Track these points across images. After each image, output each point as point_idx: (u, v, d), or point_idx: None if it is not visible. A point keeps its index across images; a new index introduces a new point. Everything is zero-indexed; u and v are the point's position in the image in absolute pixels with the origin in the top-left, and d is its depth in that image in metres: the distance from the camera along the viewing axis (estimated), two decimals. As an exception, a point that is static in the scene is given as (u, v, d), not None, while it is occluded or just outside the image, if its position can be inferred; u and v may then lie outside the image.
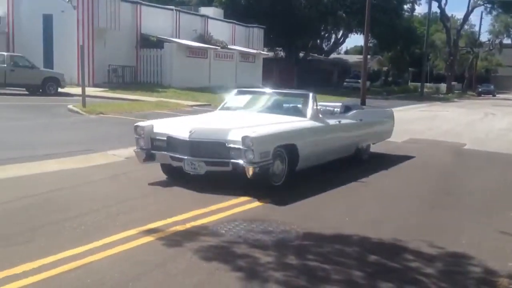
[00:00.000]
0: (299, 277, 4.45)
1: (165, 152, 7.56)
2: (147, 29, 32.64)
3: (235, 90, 9.73)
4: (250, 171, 6.86)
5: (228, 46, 38.55)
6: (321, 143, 8.53)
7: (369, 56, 38.94)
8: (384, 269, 4.79)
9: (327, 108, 10.03)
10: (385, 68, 70.03)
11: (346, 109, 10.02)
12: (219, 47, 36.67)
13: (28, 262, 4.51)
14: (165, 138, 7.57)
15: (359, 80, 39.08)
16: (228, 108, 9.16)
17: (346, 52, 79.51)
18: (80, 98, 18.37)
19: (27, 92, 24.02)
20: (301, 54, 53.28)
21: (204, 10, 40.31)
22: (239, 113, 8.86)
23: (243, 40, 42.16)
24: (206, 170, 7.19)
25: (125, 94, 24.71)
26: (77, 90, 21.94)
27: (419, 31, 62.23)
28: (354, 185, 8.28)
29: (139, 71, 32.64)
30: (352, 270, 4.67)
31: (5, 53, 25.04)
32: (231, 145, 7.03)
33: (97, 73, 29.13)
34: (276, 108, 8.93)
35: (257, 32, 43.50)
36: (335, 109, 9.95)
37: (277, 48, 52.23)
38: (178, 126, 7.66)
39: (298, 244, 5.32)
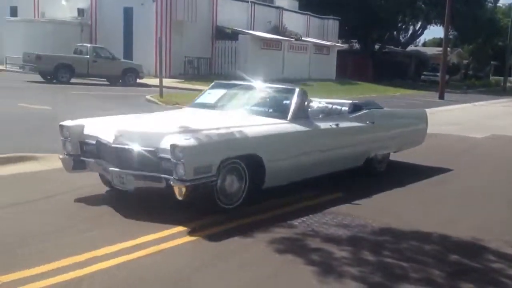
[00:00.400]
0: (375, 273, 4.36)
1: (94, 160, 6.14)
2: (222, 21, 33.03)
3: (213, 83, 8.05)
4: (182, 192, 5.26)
5: (302, 38, 38.36)
6: (305, 152, 6.68)
7: (448, 49, 37.61)
8: (465, 269, 4.62)
9: (334, 106, 8.17)
10: (465, 61, 67.41)
11: (355, 108, 7.97)
12: (293, 39, 36.55)
13: (109, 245, 4.68)
14: (95, 142, 6.11)
15: (438, 74, 37.91)
16: (197, 105, 7.50)
17: (424, 45, 77.13)
18: (157, 88, 18.89)
19: (107, 82, 24.96)
20: (376, 46, 52.21)
21: (279, 2, 40.27)
22: (199, 111, 7.21)
23: (317, 32, 41.82)
24: (135, 186, 5.72)
25: (200, 85, 25.11)
26: (155, 81, 22.58)
27: (503, 22, 59.32)
28: (430, 182, 8.03)
29: (214, 62, 33.11)
30: (431, 268, 4.52)
31: (88, 45, 26.15)
32: (163, 155, 5.40)
33: (173, 65, 29.81)
34: (252, 106, 7.14)
35: (332, 24, 43.00)
36: (343, 108, 8.05)
37: (352, 40, 51.44)
38: (109, 128, 6.01)
39: (373, 240, 5.22)
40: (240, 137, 5.91)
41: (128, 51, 30.23)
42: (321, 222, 5.66)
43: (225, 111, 7.11)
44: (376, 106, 8.60)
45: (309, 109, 7.28)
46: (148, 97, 18.64)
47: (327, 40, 41.38)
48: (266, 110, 6.96)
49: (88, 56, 24.27)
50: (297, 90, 6.98)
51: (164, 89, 18.79)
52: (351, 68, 44.59)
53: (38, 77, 23.37)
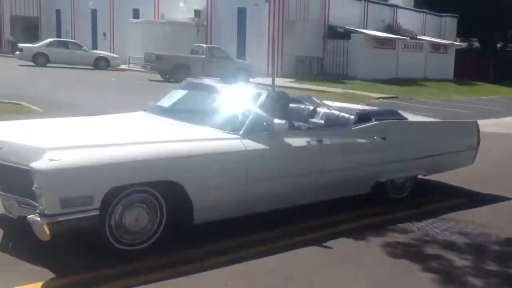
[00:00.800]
0: (501, 286, 4.10)
1: None
2: (334, 20, 32.73)
3: (185, 82, 6.55)
4: (43, 230, 3.90)
5: (418, 37, 37.04)
6: (260, 179, 5.02)
7: None
8: None
9: (341, 114, 6.35)
10: None
11: (360, 118, 6.09)
12: (408, 38, 35.39)
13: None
14: None
15: None
16: (153, 110, 6.05)
17: (552, 42, 71.56)
18: (269, 88, 19.08)
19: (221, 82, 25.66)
20: (498, 45, 49.23)
21: None
22: (139, 118, 5.87)
23: (434, 30, 40.20)
24: (19, 214, 4.42)
25: (311, 85, 25.14)
26: (266, 80, 22.78)
27: None
28: None
29: (326, 62, 32.92)
30: None
31: (204, 45, 27.08)
32: None
33: (285, 64, 30.00)
34: (208, 113, 5.63)
35: (450, 22, 41.16)
36: (351, 117, 6.19)
37: (471, 38, 48.90)
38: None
39: (499, 250, 4.91)
40: (147, 158, 4.36)
41: (241, 51, 30.90)
42: (441, 228, 5.43)
43: (170, 118, 5.59)
44: (394, 116, 6.55)
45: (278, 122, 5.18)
46: (261, 96, 18.92)
47: (445, 39, 39.64)
48: (220, 120, 5.38)
49: (203, 56, 25.12)
50: (263, 95, 5.34)
51: (276, 89, 18.96)
52: (471, 68, 42.34)
53: (158, 76, 24.55)
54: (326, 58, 32.83)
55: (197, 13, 33.50)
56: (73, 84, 19.66)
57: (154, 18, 35.21)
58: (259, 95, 5.35)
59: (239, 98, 5.66)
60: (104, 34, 39.08)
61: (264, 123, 5.15)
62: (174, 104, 6.10)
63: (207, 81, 6.31)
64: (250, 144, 4.95)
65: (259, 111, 5.18)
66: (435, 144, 6.70)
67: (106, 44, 37.99)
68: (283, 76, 28.62)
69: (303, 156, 5.43)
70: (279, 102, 5.67)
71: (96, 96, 15.68)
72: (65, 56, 28.55)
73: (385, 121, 6.25)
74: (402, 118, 6.59)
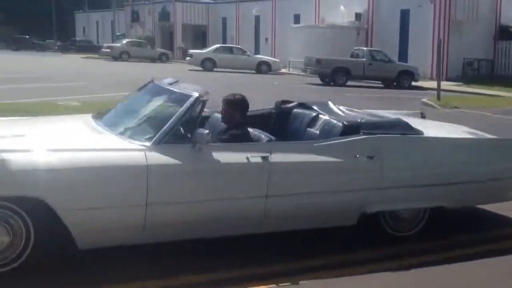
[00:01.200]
0: None
1: None
2: (507, 19, 30.45)
3: (149, 83, 5.36)
4: None
5: None
6: (169, 201, 4.07)
7: None
8: None
9: (337, 123, 4.96)
10: None
11: (347, 130, 4.76)
12: None
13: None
14: None
15: None
16: (98, 115, 5.12)
17: None
18: (433, 91, 18.31)
19: (382, 85, 25.16)
20: None
21: None
22: (61, 122, 5.45)
23: None
24: None
25: (480, 88, 23.61)
26: (430, 84, 21.90)
27: None
28: None
29: (497, 64, 30.73)
30: None
31: (364, 48, 26.85)
32: None
33: (450, 67, 28.59)
34: (133, 120, 4.76)
35: None
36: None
37: None
38: None
39: None
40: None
41: (403, 54, 30.06)
42: None
43: (97, 124, 4.72)
44: (398, 129, 4.95)
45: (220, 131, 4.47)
46: (424, 100, 18.19)
47: None
48: (137, 127, 4.54)
49: (364, 59, 24.85)
50: (192, 98, 4.35)
51: (441, 92, 18.11)
52: None
53: (317, 80, 24.75)
54: (497, 60, 30.67)
55: (357, 16, 33.28)
56: (238, 88, 20.44)
57: (315, 23, 35.65)
58: (186, 98, 4.35)
59: (168, 102, 4.75)
60: (266, 39, 40.48)
61: (186, 134, 4.29)
62: (119, 106, 5.31)
63: (162, 82, 5.20)
64: (156, 158, 4.02)
65: (180, 118, 4.24)
66: (463, 168, 5.05)
67: (267, 48, 39.31)
68: (448, 79, 27.31)
69: (234, 176, 4.29)
70: (238, 108, 4.88)
71: (261, 99, 16.17)
72: (230, 61, 30.10)
73: (375, 136, 4.75)
74: (410, 132, 4.98)
